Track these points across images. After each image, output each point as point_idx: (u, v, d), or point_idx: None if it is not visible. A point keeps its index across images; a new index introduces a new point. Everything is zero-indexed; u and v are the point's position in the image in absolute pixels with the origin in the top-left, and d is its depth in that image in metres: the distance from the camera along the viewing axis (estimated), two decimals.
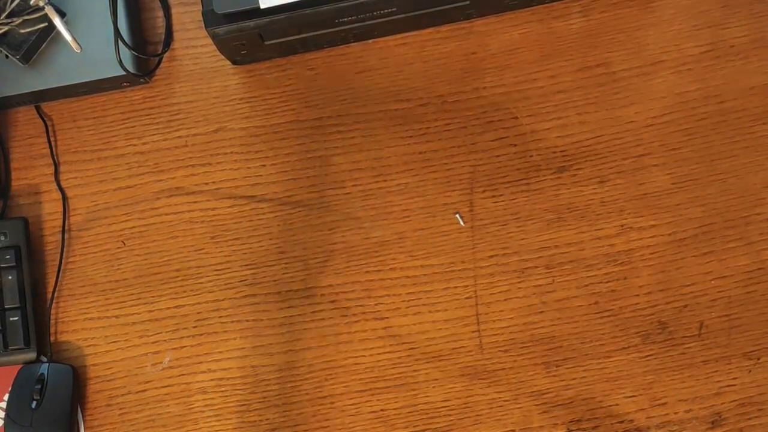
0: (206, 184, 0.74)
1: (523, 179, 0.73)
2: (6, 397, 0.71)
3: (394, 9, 0.70)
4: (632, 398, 0.70)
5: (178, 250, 0.74)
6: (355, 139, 0.74)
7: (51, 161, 0.75)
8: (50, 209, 0.75)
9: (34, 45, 0.72)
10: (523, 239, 0.72)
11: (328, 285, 0.73)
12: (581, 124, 0.74)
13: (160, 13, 0.77)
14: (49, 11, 0.70)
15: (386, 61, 0.75)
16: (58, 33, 0.72)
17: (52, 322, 0.73)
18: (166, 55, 0.76)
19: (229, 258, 0.73)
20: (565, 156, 0.73)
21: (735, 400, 0.70)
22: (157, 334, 0.73)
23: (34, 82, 0.73)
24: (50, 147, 0.75)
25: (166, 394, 0.72)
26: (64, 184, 0.75)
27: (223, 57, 0.73)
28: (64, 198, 0.75)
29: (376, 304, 0.72)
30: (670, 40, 0.75)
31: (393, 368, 0.71)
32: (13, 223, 0.73)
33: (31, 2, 0.71)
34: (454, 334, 0.71)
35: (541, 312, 0.71)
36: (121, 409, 0.72)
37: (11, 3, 0.71)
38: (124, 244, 0.74)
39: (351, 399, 0.71)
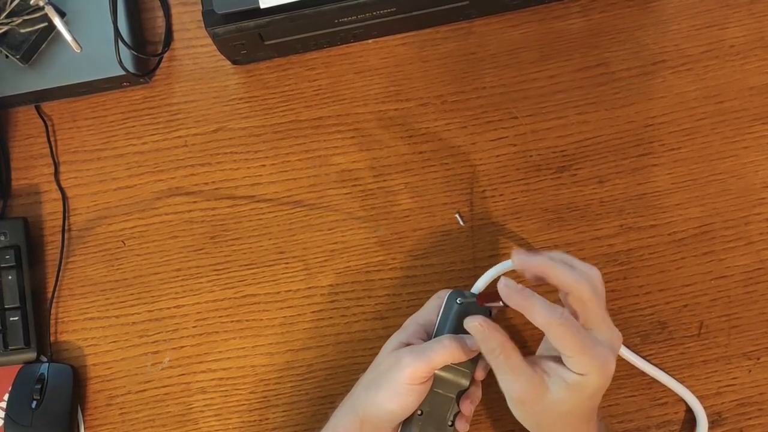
0: (206, 184, 0.74)
1: (522, 179, 0.73)
2: (6, 397, 0.71)
3: (394, 9, 0.70)
4: (632, 398, 0.70)
5: (178, 250, 0.74)
6: (355, 139, 0.74)
7: (51, 161, 0.75)
8: (50, 209, 0.75)
9: (34, 45, 0.72)
10: (522, 239, 0.72)
11: (328, 285, 0.73)
12: (581, 123, 0.74)
13: (160, 13, 0.77)
14: (49, 11, 0.70)
15: (386, 61, 0.75)
16: (58, 33, 0.72)
17: (52, 322, 0.73)
18: (166, 55, 0.76)
19: (229, 258, 0.73)
20: (564, 156, 0.73)
21: (735, 400, 0.70)
22: (157, 334, 0.73)
23: (34, 82, 0.73)
24: (50, 147, 0.76)
25: (166, 394, 0.72)
26: (64, 184, 0.75)
27: (223, 57, 0.73)
28: (64, 198, 0.75)
29: (376, 304, 0.72)
30: (670, 40, 0.75)
31: None
32: (13, 223, 0.73)
33: (31, 2, 0.71)
34: None
35: None
36: (121, 408, 0.72)
37: (11, 3, 0.71)
38: (124, 244, 0.74)
39: None
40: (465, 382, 0.62)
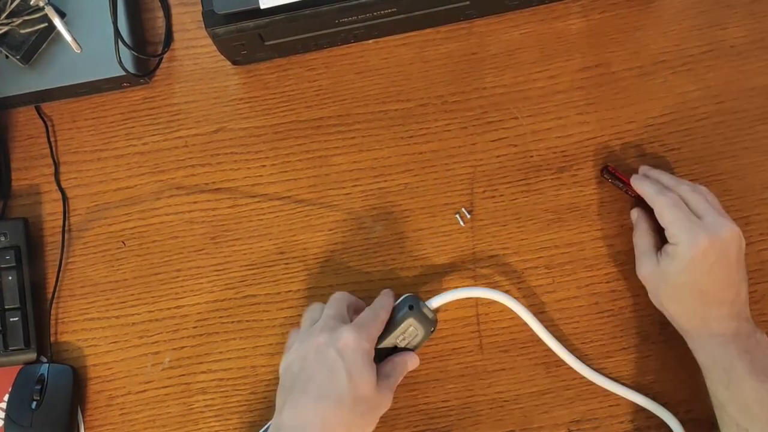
0: (206, 184, 0.74)
1: (523, 179, 0.73)
2: (6, 397, 0.71)
3: (395, 9, 0.70)
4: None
5: (178, 251, 0.74)
6: (355, 139, 0.74)
7: (51, 161, 0.75)
8: (50, 209, 0.75)
9: (34, 45, 0.72)
10: (523, 239, 0.72)
11: (328, 285, 0.73)
12: (581, 124, 0.74)
13: (160, 13, 0.77)
14: (49, 11, 0.70)
15: (386, 61, 0.75)
16: (58, 33, 0.72)
17: (52, 322, 0.73)
18: (166, 55, 0.76)
19: (229, 258, 0.73)
20: (565, 156, 0.73)
21: None
22: (157, 334, 0.73)
23: (34, 82, 0.73)
24: (50, 147, 0.75)
25: (166, 395, 0.72)
26: (64, 184, 0.75)
27: (223, 57, 0.73)
28: (64, 198, 0.75)
29: None
30: (670, 41, 0.75)
31: None
32: (13, 223, 0.73)
33: (31, 2, 0.71)
34: (454, 334, 0.71)
35: (542, 312, 0.71)
36: (121, 409, 0.72)
37: (11, 3, 0.71)
38: (124, 244, 0.74)
39: None
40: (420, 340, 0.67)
